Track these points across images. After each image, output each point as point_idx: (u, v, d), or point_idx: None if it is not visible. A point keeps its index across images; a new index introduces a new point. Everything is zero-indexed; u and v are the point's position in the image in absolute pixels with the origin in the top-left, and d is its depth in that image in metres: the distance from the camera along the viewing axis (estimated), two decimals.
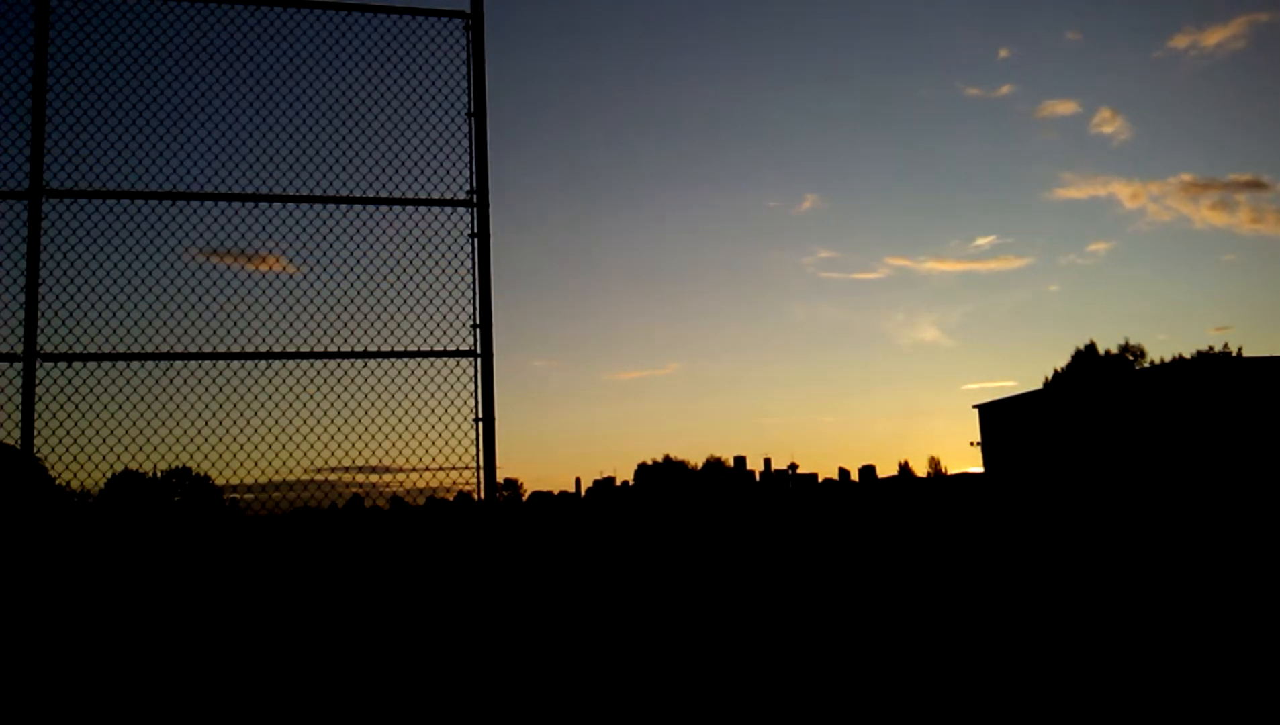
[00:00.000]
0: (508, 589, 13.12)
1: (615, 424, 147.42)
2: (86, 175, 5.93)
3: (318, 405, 6.01)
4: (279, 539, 28.78)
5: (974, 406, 56.90)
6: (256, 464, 5.94)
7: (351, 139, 6.36)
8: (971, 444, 57.03)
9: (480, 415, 6.10)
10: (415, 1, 6.58)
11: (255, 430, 5.94)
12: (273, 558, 21.85)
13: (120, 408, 5.77)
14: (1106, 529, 22.80)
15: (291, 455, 5.94)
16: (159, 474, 7.40)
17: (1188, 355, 58.22)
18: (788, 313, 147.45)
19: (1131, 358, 63.30)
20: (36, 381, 5.62)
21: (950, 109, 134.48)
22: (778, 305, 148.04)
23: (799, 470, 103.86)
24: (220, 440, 5.93)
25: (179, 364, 5.89)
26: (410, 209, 6.38)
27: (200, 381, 5.92)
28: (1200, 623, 8.22)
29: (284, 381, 6.00)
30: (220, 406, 5.94)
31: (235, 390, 5.96)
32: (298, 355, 6.02)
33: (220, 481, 5.99)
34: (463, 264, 6.33)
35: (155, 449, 5.85)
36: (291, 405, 5.98)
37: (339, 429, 6.00)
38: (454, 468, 6.05)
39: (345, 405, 6.04)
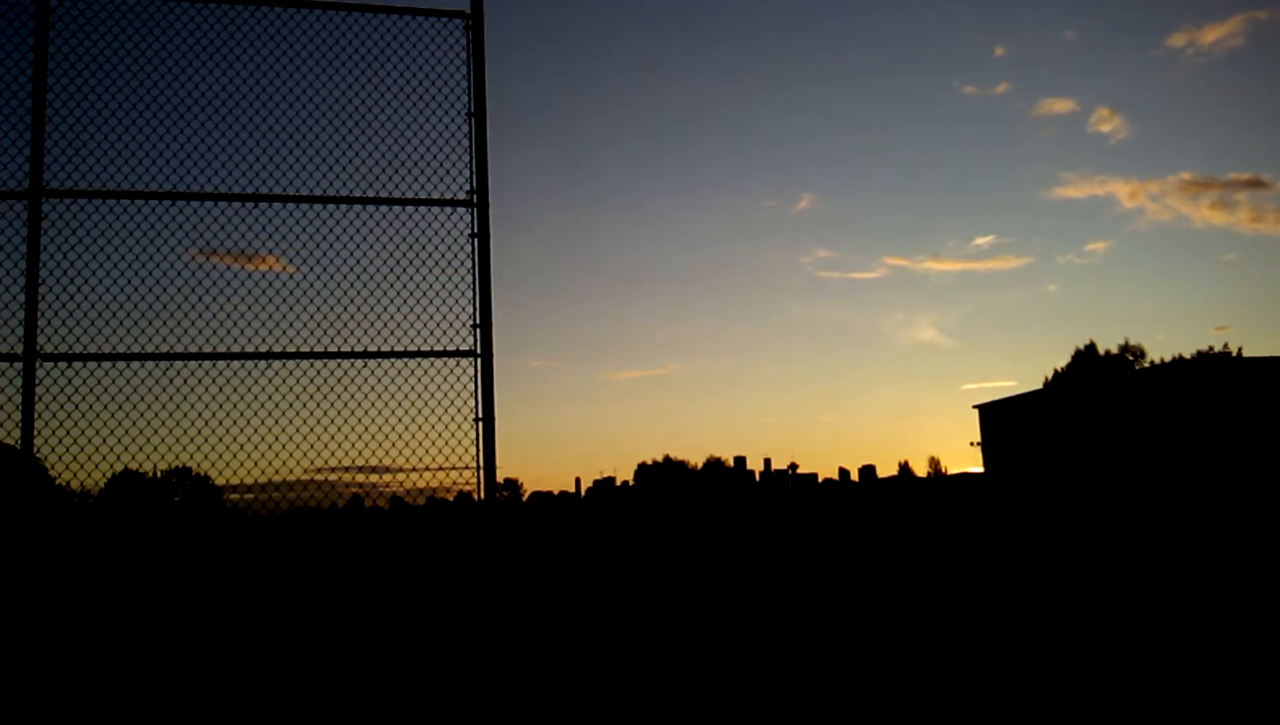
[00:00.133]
0: (508, 589, 13.12)
1: (615, 424, 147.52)
2: (86, 175, 5.93)
3: (318, 405, 6.01)
4: (279, 539, 28.78)
5: (974, 406, 56.98)
6: (256, 464, 5.95)
7: (352, 139, 6.36)
8: (971, 444, 57.09)
9: (480, 415, 6.10)
10: (415, 1, 6.58)
11: (255, 430, 5.94)
12: (272, 558, 21.85)
13: (120, 408, 5.77)
14: (1107, 529, 22.79)
15: (291, 455, 5.95)
16: (159, 474, 7.40)
17: (1188, 355, 58.26)
18: (787, 312, 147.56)
19: (1131, 358, 63.31)
20: (36, 381, 5.62)
21: (947, 108, 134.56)
22: (776, 305, 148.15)
23: (799, 470, 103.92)
24: (220, 440, 5.94)
25: (179, 364, 5.90)
26: (410, 209, 6.38)
27: (200, 381, 5.92)
28: (1200, 622, 8.22)
29: (284, 381, 6.00)
30: (220, 406, 5.94)
31: (235, 390, 5.96)
32: (298, 355, 6.02)
33: (220, 481, 6.00)
34: (463, 264, 6.33)
35: (155, 449, 5.86)
36: (291, 405, 5.98)
37: (339, 429, 6.01)
38: (454, 468, 6.05)
39: (345, 405, 6.04)
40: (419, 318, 6.25)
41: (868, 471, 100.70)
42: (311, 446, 5.96)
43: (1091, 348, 64.57)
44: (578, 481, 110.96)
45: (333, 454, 5.99)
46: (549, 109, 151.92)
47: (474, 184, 6.41)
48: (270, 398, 5.97)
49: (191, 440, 5.92)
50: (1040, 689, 6.00)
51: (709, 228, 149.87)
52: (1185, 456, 39.58)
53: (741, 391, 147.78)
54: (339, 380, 6.06)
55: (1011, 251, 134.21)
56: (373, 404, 6.08)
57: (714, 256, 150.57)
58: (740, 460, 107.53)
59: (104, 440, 5.73)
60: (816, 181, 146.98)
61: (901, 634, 8.19)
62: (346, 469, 6.04)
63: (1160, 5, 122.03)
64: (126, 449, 5.77)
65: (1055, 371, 65.50)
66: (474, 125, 6.47)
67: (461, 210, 6.40)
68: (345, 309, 6.17)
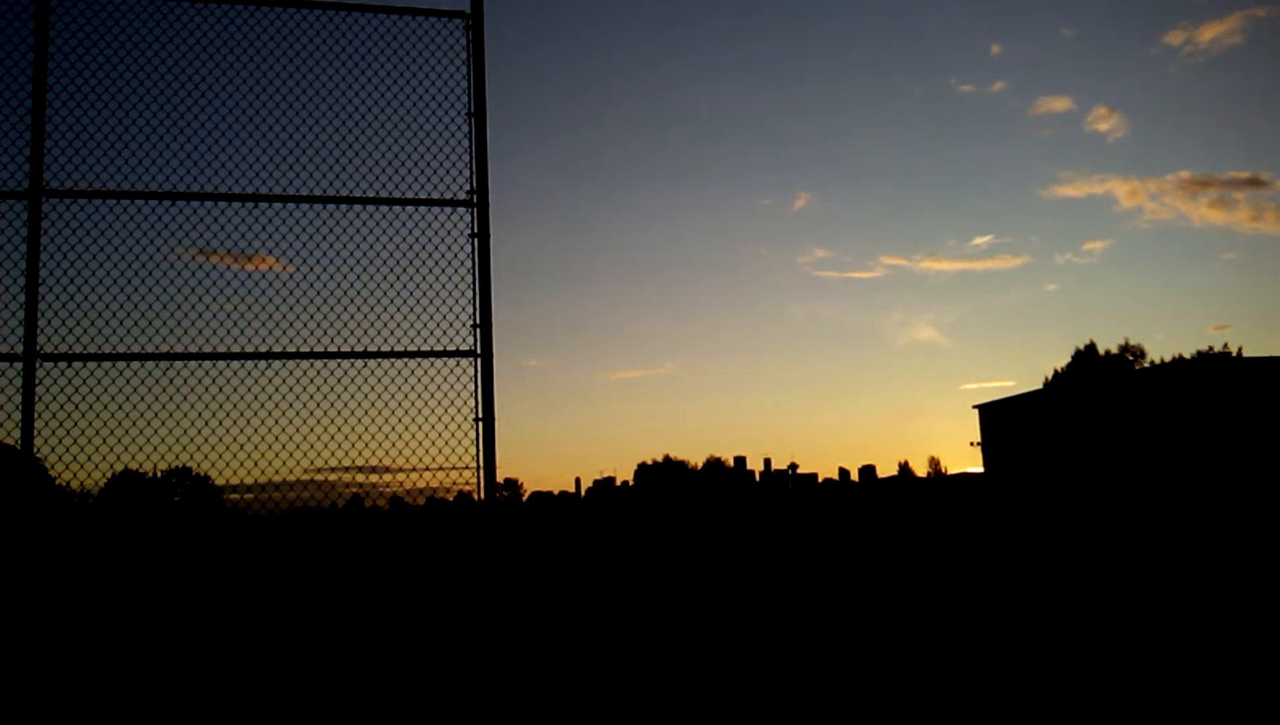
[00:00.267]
0: (508, 589, 13.12)
1: (615, 424, 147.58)
2: (86, 175, 5.93)
3: (318, 405, 6.01)
4: (279, 539, 28.77)
5: (974, 406, 56.96)
6: (256, 464, 5.95)
7: (352, 139, 6.36)
8: (971, 444, 57.08)
9: (480, 415, 6.10)
10: (415, 1, 6.58)
11: (255, 430, 5.94)
12: (272, 558, 21.85)
13: (120, 408, 5.77)
14: (1107, 529, 22.79)
15: (291, 455, 5.95)
16: (159, 474, 7.40)
17: (1188, 355, 58.27)
18: (785, 312, 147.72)
19: (1131, 358, 63.30)
20: (36, 381, 5.62)
21: (944, 106, 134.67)
22: (775, 304, 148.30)
23: (799, 470, 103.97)
24: (220, 440, 5.94)
25: (179, 364, 5.90)
26: (410, 209, 6.38)
27: (200, 381, 5.92)
28: (1200, 622, 8.22)
29: (284, 381, 6.00)
30: (220, 406, 5.94)
31: (235, 390, 5.96)
32: (298, 355, 6.02)
33: (220, 481, 6.00)
34: (463, 264, 6.33)
35: (155, 449, 5.86)
36: (291, 405, 5.98)
37: (339, 429, 6.01)
38: (454, 468, 6.05)
39: (345, 405, 6.04)
40: (419, 318, 6.25)
41: (868, 471, 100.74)
42: (311, 446, 5.96)
43: (1091, 348, 64.58)
44: (578, 481, 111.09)
45: (332, 454, 5.99)
46: (549, 109, 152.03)
47: (474, 184, 6.41)
48: (270, 398, 5.97)
49: (191, 440, 5.92)
50: (1040, 688, 6.00)
51: (707, 227, 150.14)
52: (1185, 456, 39.57)
53: (741, 391, 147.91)
54: (339, 380, 6.06)
55: (1010, 251, 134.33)
56: (372, 404, 6.08)
57: (712, 256, 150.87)
58: (740, 460, 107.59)
59: (104, 440, 5.73)
60: (813, 181, 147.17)
61: (902, 634, 8.19)
62: (346, 469, 6.04)
63: (1157, 3, 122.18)
64: (126, 449, 5.77)
65: (1055, 371, 65.54)
66: (474, 125, 6.47)
67: (461, 210, 6.40)
68: (345, 309, 6.17)
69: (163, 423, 5.86)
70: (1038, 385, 61.63)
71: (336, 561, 19.82)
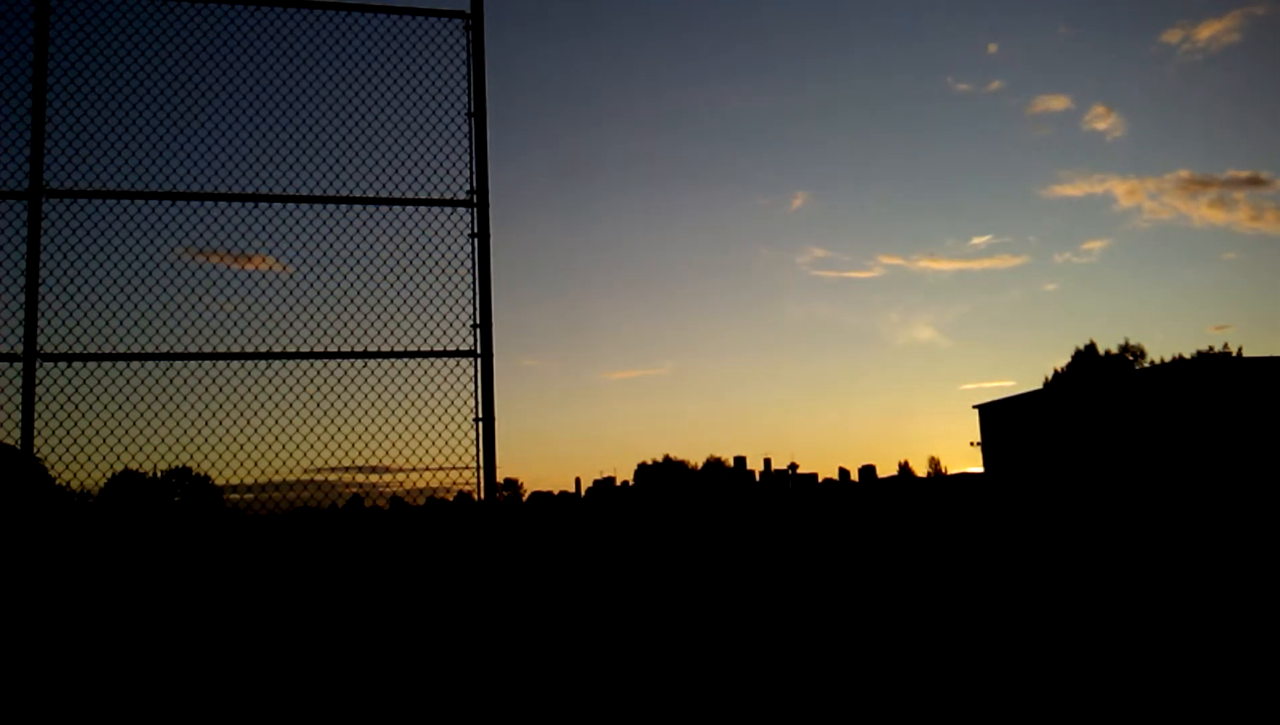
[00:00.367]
0: (508, 589, 13.12)
1: (614, 424, 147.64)
2: (86, 175, 5.93)
3: (318, 405, 6.01)
4: (279, 539, 28.78)
5: (974, 407, 56.97)
6: (256, 464, 5.95)
7: (352, 139, 6.36)
8: (971, 444, 57.09)
9: (480, 415, 6.10)
10: (415, 1, 6.58)
11: (255, 430, 5.94)
12: (272, 558, 21.85)
13: (120, 408, 5.77)
14: (1107, 529, 22.80)
15: (291, 455, 5.95)
16: (159, 474, 7.40)
17: (1188, 355, 58.28)
18: (784, 311, 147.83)
19: (1131, 358, 63.31)
20: (36, 381, 5.62)
21: (941, 105, 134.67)
22: (773, 304, 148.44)
23: (799, 470, 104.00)
24: (220, 440, 5.94)
25: (179, 364, 5.90)
26: (410, 209, 6.38)
27: (200, 381, 5.93)
28: (1200, 622, 8.22)
29: (284, 381, 6.00)
30: (220, 406, 5.94)
31: (235, 390, 5.96)
32: (298, 355, 6.02)
33: (220, 481, 6.00)
34: (463, 264, 6.33)
35: (155, 449, 5.86)
36: (291, 405, 5.98)
37: (339, 429, 6.01)
38: (454, 468, 6.05)
39: (345, 405, 6.04)
40: (419, 318, 6.25)
41: (868, 471, 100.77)
42: (311, 446, 5.96)
43: (1091, 348, 64.59)
44: (578, 481, 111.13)
45: (332, 454, 5.99)
46: (549, 109, 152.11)
47: (474, 184, 6.41)
48: (270, 398, 5.97)
49: (191, 440, 5.93)
50: (1040, 688, 6.00)
51: (706, 227, 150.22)
52: (1185, 456, 39.57)
53: (740, 391, 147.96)
54: (339, 380, 6.07)
55: (1008, 251, 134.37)
56: (372, 404, 6.08)
57: (710, 256, 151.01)
58: (740, 460, 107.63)
59: (104, 440, 5.73)
60: (811, 180, 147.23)
61: (902, 634, 8.19)
62: (346, 469, 6.04)
63: (1155, 1, 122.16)
64: (126, 449, 5.77)
65: (1055, 371, 65.55)
66: (474, 125, 6.47)
67: (461, 210, 6.40)
68: (345, 309, 6.17)
69: (163, 423, 5.87)
70: (1037, 385, 61.66)
71: (336, 562, 19.82)
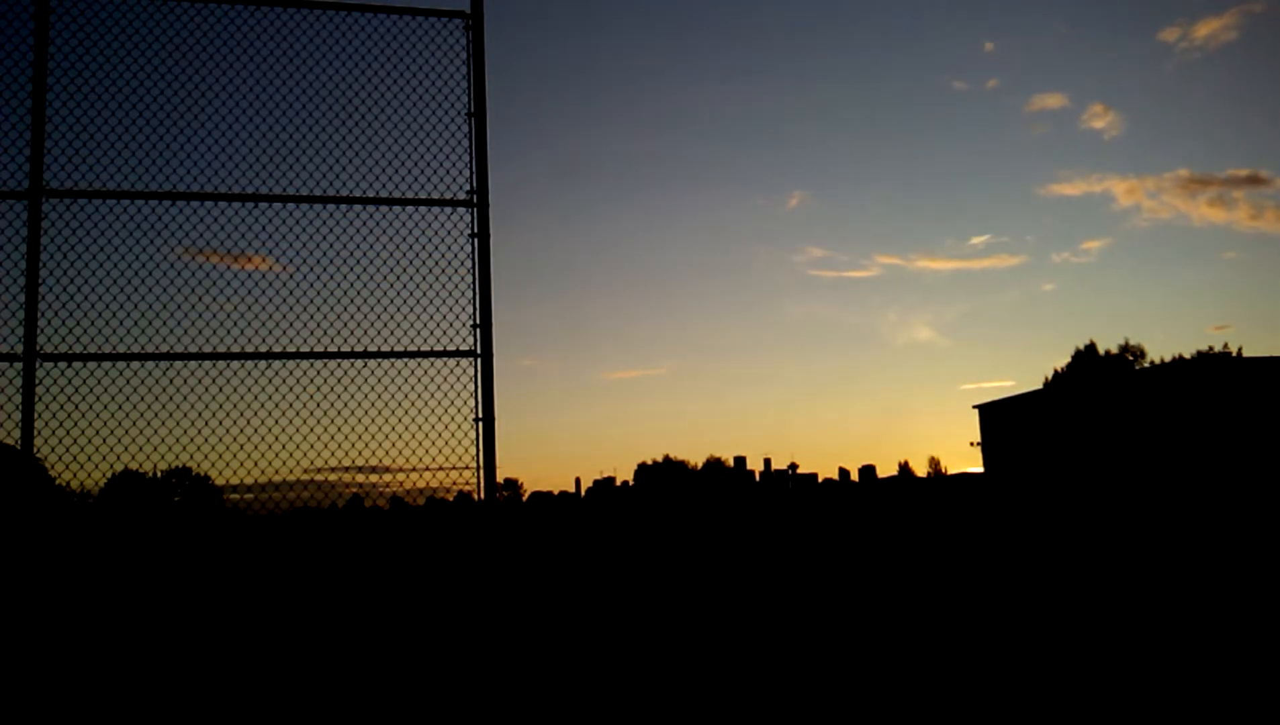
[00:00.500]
0: (508, 589, 13.12)
1: (614, 424, 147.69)
2: (86, 175, 5.93)
3: (318, 405, 6.01)
4: (279, 539, 28.78)
5: (974, 406, 56.97)
6: (256, 464, 5.95)
7: (352, 139, 6.36)
8: (971, 444, 57.10)
9: (480, 415, 6.10)
10: (415, 1, 6.58)
11: (255, 430, 5.94)
12: (273, 558, 21.86)
13: (120, 408, 5.77)
14: (1107, 529, 22.80)
15: (291, 455, 5.95)
16: (159, 474, 7.40)
17: (1187, 355, 58.29)
18: (783, 311, 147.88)
19: (1131, 358, 63.31)
20: (36, 381, 5.63)
21: (938, 104, 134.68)
22: (772, 304, 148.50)
23: (799, 470, 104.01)
24: (220, 440, 5.94)
25: (179, 364, 5.90)
26: (410, 209, 6.38)
27: (200, 381, 5.93)
28: (1200, 622, 8.22)
29: (284, 381, 6.00)
30: (220, 406, 5.94)
31: (235, 390, 5.96)
32: (298, 355, 6.02)
33: (220, 481, 6.00)
34: (463, 264, 6.33)
35: (155, 449, 5.86)
36: (291, 405, 5.98)
37: (339, 429, 6.01)
38: (454, 468, 6.05)
39: (345, 405, 6.04)
40: (419, 318, 6.25)
41: (868, 471, 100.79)
42: (311, 446, 5.96)
43: (1091, 347, 64.60)
44: (578, 481, 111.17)
45: (332, 454, 5.99)
46: (549, 109, 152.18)
47: (474, 184, 6.41)
48: (270, 398, 5.97)
49: (191, 440, 5.93)
50: (1041, 688, 6.00)
51: (704, 227, 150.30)
52: (1185, 457, 39.57)
53: (740, 391, 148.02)
54: (339, 380, 6.07)
55: (1007, 250, 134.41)
56: (372, 404, 6.08)
57: (709, 255, 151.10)
58: (740, 460, 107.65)
59: (104, 440, 5.73)
60: (808, 179, 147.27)
61: (902, 634, 8.19)
62: (346, 469, 6.04)
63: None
64: (126, 449, 5.77)
65: (1055, 371, 65.56)
66: (474, 125, 6.47)
67: (461, 210, 6.40)
68: (345, 309, 6.17)
69: (163, 423, 5.87)
70: (1037, 385, 61.67)
71: (336, 562, 19.82)
